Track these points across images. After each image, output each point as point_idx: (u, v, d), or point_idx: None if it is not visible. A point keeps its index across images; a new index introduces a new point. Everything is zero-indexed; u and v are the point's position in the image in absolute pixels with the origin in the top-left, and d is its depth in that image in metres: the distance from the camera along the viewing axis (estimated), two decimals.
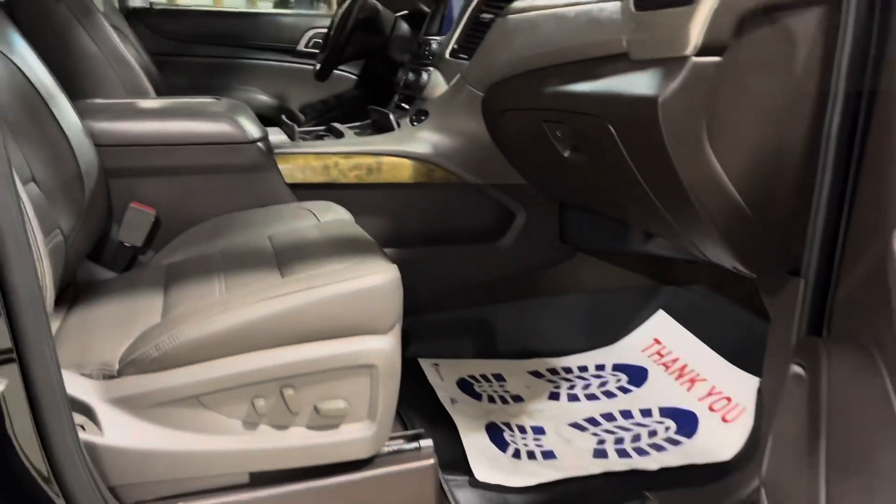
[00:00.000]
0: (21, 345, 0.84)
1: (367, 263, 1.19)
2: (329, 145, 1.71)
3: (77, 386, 1.04)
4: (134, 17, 2.60)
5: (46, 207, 1.28)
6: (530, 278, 1.86)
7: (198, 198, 1.60)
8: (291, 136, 1.74)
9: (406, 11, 2.37)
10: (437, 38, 1.88)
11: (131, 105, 1.64)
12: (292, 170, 1.65)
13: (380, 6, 2.16)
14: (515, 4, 1.56)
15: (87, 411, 1.03)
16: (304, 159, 1.66)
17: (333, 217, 1.55)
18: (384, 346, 1.14)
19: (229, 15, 2.80)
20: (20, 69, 1.30)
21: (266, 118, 2.72)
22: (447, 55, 1.77)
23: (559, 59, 1.36)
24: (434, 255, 1.78)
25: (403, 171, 1.71)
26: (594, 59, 1.25)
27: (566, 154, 1.45)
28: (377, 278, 1.14)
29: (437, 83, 1.77)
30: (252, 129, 1.60)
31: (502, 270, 1.82)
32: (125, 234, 1.51)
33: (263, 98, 2.72)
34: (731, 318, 1.67)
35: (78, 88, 1.87)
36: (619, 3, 1.19)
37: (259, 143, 1.60)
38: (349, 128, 1.94)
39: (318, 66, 2.18)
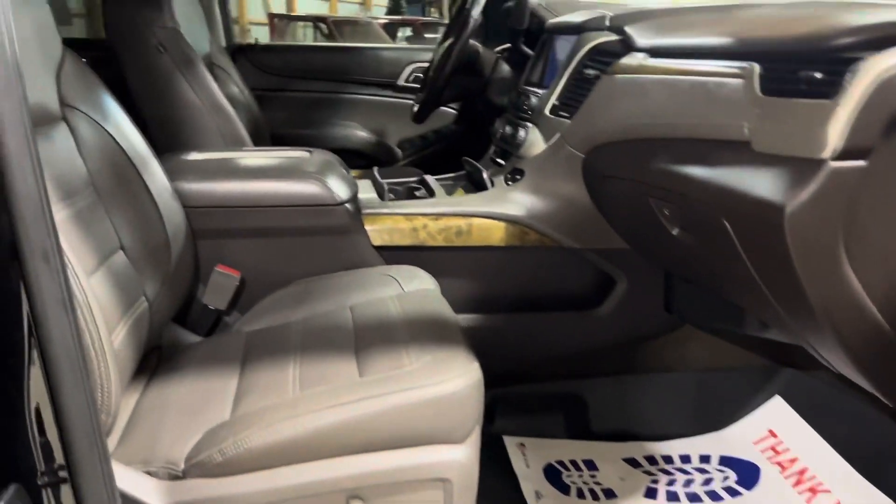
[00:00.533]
0: (73, 467, 0.81)
1: (448, 361, 1.11)
2: (418, 206, 1.63)
3: (141, 486, 1.01)
4: (239, 53, 2.63)
5: (133, 275, 1.28)
6: (630, 351, 1.71)
7: (283, 260, 1.56)
8: (381, 195, 1.68)
9: (508, 45, 2.27)
10: (537, 90, 1.76)
11: (222, 163, 1.63)
12: (380, 231, 1.59)
13: (480, 47, 2.07)
14: (624, 62, 1.42)
15: None
16: (393, 220, 1.60)
17: (418, 286, 1.47)
18: (460, 458, 1.05)
19: (331, 50, 2.80)
20: (113, 137, 1.30)
21: (364, 154, 2.71)
22: (547, 112, 1.65)
23: (669, 133, 1.22)
24: (525, 323, 1.67)
25: (494, 233, 1.61)
26: (709, 140, 1.11)
27: (674, 232, 1.31)
28: (457, 384, 1.05)
29: (534, 141, 1.66)
30: (341, 189, 1.55)
31: (599, 341, 1.69)
32: (210, 298, 1.50)
33: (362, 134, 2.70)
34: (863, 416, 1.46)
35: (177, 138, 1.90)
36: (741, 82, 1.04)
37: (347, 205, 1.55)
38: (440, 179, 1.86)
39: (416, 109, 2.12)
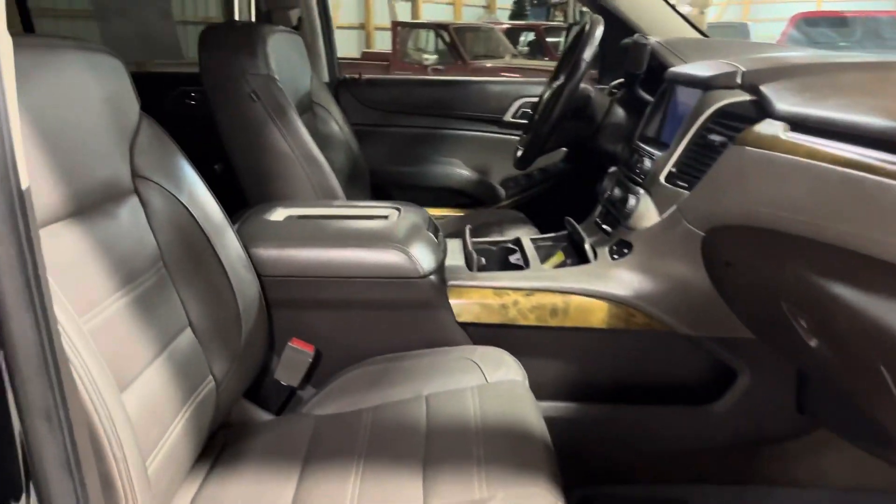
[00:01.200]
0: None
1: (526, 501, 0.95)
2: (510, 278, 1.47)
3: None
4: (343, 87, 2.57)
5: (199, 355, 1.21)
6: (751, 456, 1.48)
7: (361, 333, 1.46)
8: (470, 265, 1.54)
9: (622, 80, 2.06)
10: (652, 150, 1.56)
11: (302, 226, 1.54)
12: (466, 306, 1.44)
13: (592, 91, 1.88)
14: (757, 130, 1.21)
15: None
16: (480, 294, 1.45)
17: (503, 376, 1.32)
18: None
19: (436, 84, 2.67)
20: (186, 207, 1.24)
21: (465, 193, 2.58)
22: (662, 179, 1.44)
23: (810, 233, 1.00)
24: (626, 415, 1.47)
25: (596, 313, 1.43)
26: (865, 256, 0.88)
27: (811, 343, 1.08)
28: None
29: (646, 211, 1.46)
30: (425, 259, 1.42)
31: (715, 441, 1.46)
32: (282, 374, 1.41)
33: (464, 172, 2.56)
34: None
35: (268, 188, 1.84)
36: None
37: (431, 277, 1.42)
38: (538, 241, 1.69)
39: (519, 154, 1.96)
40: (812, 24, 10.83)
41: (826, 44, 10.20)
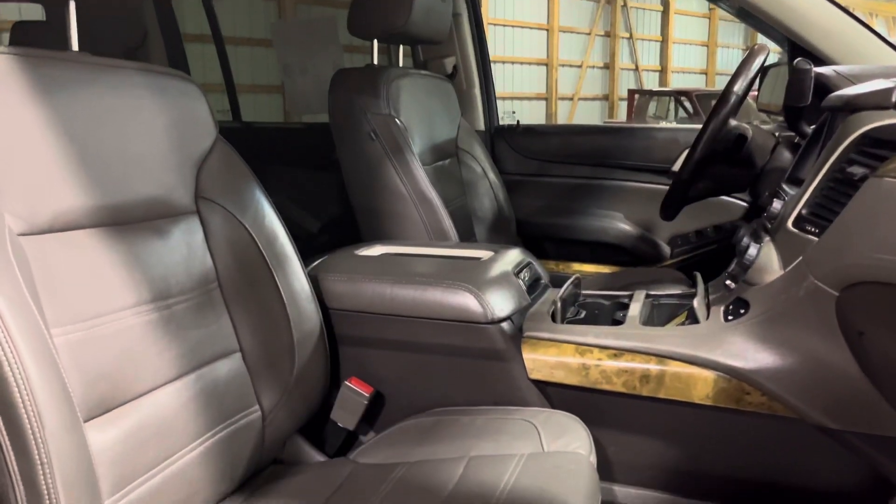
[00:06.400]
0: None
1: None
2: (596, 334, 1.25)
3: None
4: (499, 136, 2.49)
5: (245, 382, 1.18)
6: None
7: (424, 381, 1.33)
8: (554, 316, 1.34)
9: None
10: (788, 191, 1.25)
11: (381, 264, 1.46)
12: (540, 362, 1.25)
13: (749, 131, 1.59)
14: None
15: None
16: (559, 349, 1.25)
17: (564, 446, 1.11)
18: None
19: (597, 131, 2.47)
20: (249, 231, 1.23)
21: (624, 249, 2.34)
22: (790, 224, 1.14)
23: None
24: None
25: (697, 386, 1.15)
26: None
27: None
28: None
29: (767, 263, 1.16)
30: (498, 304, 1.27)
31: None
32: (338, 414, 1.33)
33: (623, 226, 2.32)
34: None
35: (382, 226, 1.81)
36: None
37: (503, 325, 1.26)
38: (661, 297, 1.44)
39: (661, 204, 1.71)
40: None
41: None
